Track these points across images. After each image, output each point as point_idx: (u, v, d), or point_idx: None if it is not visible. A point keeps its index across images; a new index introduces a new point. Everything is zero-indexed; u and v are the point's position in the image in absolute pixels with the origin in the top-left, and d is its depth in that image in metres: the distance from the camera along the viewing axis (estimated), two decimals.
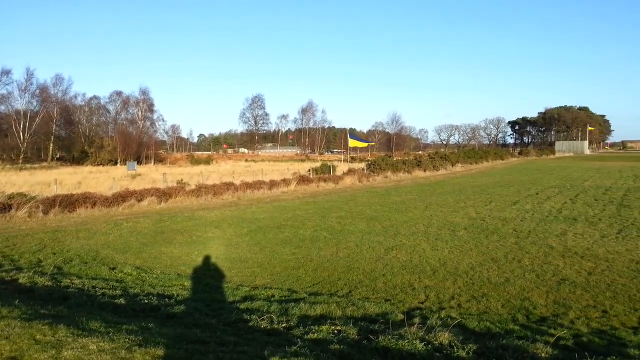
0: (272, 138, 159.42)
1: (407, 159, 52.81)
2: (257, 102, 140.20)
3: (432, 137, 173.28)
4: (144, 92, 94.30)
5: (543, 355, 5.02)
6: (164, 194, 23.12)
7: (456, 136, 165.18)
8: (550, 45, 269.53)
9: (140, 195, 22.26)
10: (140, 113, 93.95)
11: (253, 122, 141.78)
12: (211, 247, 13.49)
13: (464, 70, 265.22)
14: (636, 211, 18.41)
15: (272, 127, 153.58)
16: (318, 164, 44.17)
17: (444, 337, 5.46)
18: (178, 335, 5.10)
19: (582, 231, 14.63)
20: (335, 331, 5.81)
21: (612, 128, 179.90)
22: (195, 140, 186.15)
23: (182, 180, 29.87)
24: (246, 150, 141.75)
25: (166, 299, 7.84)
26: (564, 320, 7.36)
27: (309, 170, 38.17)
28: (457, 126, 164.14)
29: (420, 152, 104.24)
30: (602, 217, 17.27)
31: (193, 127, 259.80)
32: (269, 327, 6.13)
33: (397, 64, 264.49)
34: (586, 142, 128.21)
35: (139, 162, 70.71)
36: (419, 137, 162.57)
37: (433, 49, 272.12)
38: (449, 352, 5.00)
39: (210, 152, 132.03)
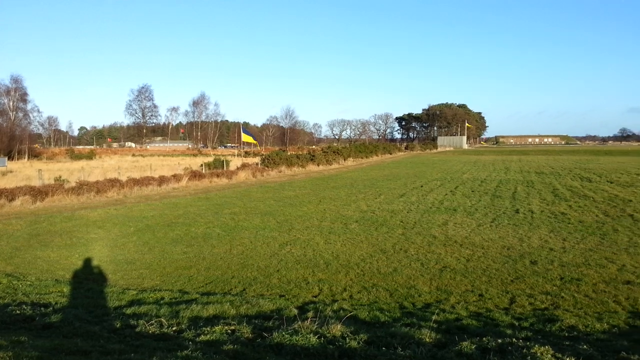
0: (161, 132, 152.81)
1: (301, 153, 53.42)
2: (144, 93, 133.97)
3: (325, 131, 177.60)
4: (16, 80, 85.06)
5: (427, 340, 5.31)
6: (39, 193, 21.24)
7: (348, 131, 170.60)
8: (434, 44, 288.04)
9: (11, 194, 20.24)
10: (11, 103, 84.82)
11: (140, 114, 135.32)
12: (94, 249, 12.63)
13: (357, 67, 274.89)
14: (507, 201, 20.27)
15: (162, 120, 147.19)
16: (211, 159, 43.25)
17: (337, 329, 5.57)
18: (55, 347, 4.68)
19: (461, 221, 15.80)
20: (229, 331, 5.69)
21: (487, 124, 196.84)
22: (76, 133, 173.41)
23: (60, 177, 27.80)
24: (134, 145, 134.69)
25: (42, 308, 7.18)
26: (446, 305, 7.89)
27: (202, 165, 37.29)
28: (349, 121, 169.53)
29: (314, 146, 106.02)
30: (479, 207, 18.79)
31: (73, 119, 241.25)
32: (158, 331, 5.85)
33: (291, 58, 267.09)
34: (464, 138, 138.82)
35: (11, 158, 64.20)
36: (312, 131, 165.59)
37: (328, 45, 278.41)
38: (342, 343, 5.10)
39: (93, 147, 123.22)
